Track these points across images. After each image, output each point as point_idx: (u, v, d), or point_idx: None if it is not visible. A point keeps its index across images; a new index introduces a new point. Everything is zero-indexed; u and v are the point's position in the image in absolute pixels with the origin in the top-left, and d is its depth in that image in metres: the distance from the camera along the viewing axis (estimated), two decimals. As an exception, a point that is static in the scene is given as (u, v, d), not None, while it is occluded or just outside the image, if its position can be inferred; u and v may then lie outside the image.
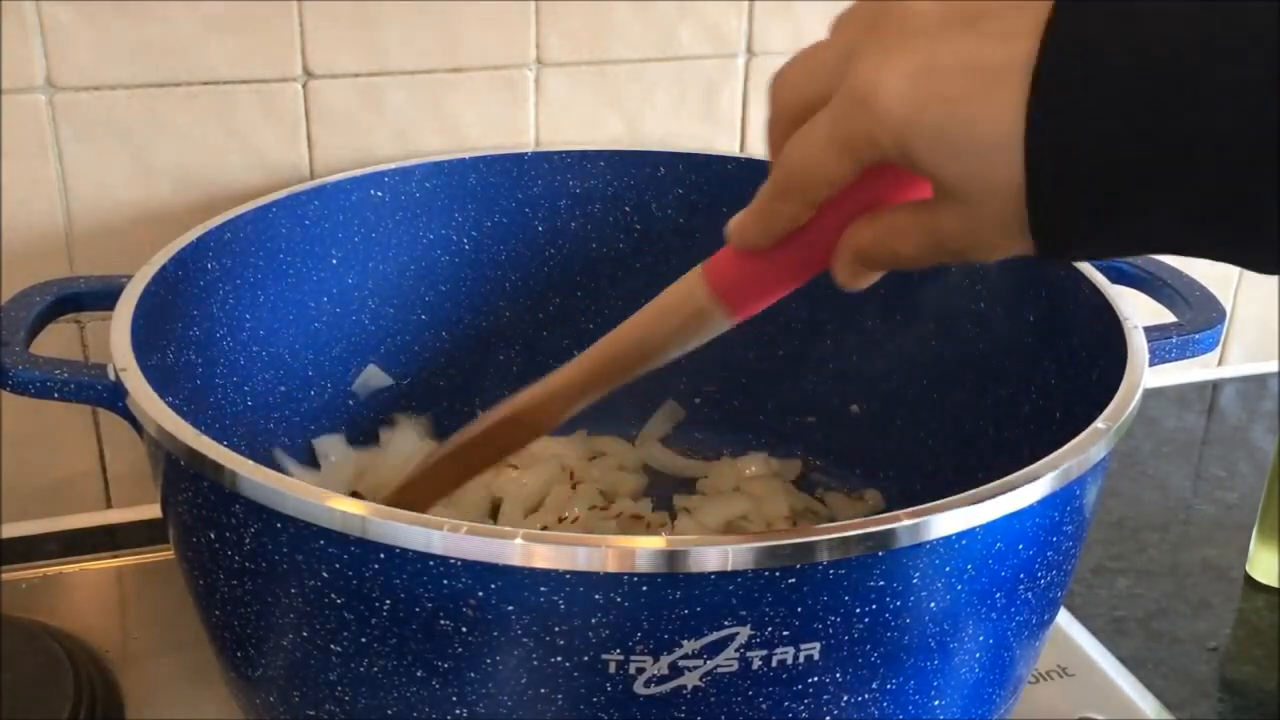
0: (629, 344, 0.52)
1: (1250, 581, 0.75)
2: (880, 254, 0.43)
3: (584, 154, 0.77)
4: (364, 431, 0.74)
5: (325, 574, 0.45)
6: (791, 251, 0.45)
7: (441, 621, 0.44)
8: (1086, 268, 0.63)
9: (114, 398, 0.52)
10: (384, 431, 0.75)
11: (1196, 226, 0.35)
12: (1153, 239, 0.37)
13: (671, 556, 0.41)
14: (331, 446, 0.72)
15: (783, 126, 0.43)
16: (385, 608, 0.44)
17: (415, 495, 0.59)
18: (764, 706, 0.45)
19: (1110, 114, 0.34)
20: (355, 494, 0.68)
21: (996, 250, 0.39)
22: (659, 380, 0.78)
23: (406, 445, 0.73)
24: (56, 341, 0.71)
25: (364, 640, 0.46)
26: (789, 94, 0.42)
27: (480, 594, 0.43)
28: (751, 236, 0.45)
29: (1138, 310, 0.59)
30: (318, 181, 0.71)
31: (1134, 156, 0.34)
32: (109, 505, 0.78)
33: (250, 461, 0.45)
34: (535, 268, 0.77)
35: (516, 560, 0.42)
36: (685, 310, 0.49)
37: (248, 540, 0.47)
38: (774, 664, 0.44)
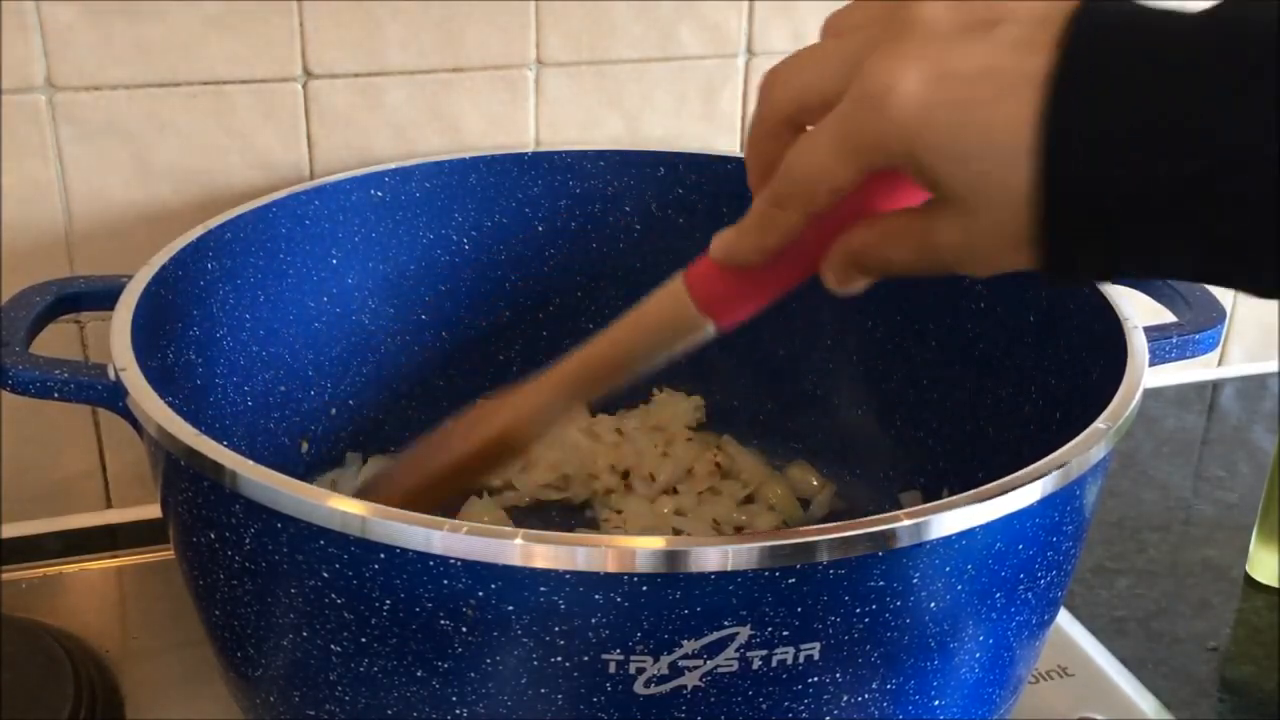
0: (608, 356, 0.51)
1: (1250, 581, 0.75)
2: (873, 259, 0.42)
3: (584, 154, 0.77)
4: (364, 432, 0.75)
5: (325, 574, 0.45)
6: (781, 260, 0.44)
7: (441, 621, 0.44)
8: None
9: (114, 398, 0.52)
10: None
11: (1203, 259, 0.35)
12: (1159, 267, 0.37)
13: (671, 556, 0.41)
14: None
15: (770, 127, 0.42)
16: (385, 608, 0.44)
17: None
18: (764, 706, 0.45)
19: (1125, 137, 0.34)
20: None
21: (992, 263, 0.39)
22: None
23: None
24: (56, 341, 0.70)
25: (364, 640, 0.46)
26: (785, 93, 0.42)
27: (480, 594, 0.43)
28: (745, 253, 0.44)
29: (1138, 310, 0.59)
30: (318, 181, 0.71)
31: (1144, 185, 0.34)
32: (109, 505, 0.78)
33: (250, 461, 0.45)
34: (535, 268, 0.77)
35: (516, 560, 0.42)
36: (668, 322, 0.48)
37: (248, 540, 0.47)
38: (774, 664, 0.44)
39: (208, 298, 0.64)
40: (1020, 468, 0.46)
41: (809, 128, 0.41)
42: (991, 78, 0.35)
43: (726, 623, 0.43)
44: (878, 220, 0.42)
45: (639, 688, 0.44)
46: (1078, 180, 0.35)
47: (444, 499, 0.57)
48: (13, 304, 0.58)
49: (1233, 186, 0.33)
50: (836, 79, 0.39)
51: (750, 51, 0.80)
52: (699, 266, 0.47)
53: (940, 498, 0.44)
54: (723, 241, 0.45)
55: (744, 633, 0.43)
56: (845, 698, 0.46)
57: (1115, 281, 0.36)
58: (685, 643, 0.43)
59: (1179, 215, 0.34)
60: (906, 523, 0.43)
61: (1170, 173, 0.34)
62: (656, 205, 0.77)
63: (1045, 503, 0.47)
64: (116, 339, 0.54)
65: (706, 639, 0.43)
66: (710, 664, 0.43)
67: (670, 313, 0.48)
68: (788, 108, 0.41)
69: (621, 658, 0.43)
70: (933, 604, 0.46)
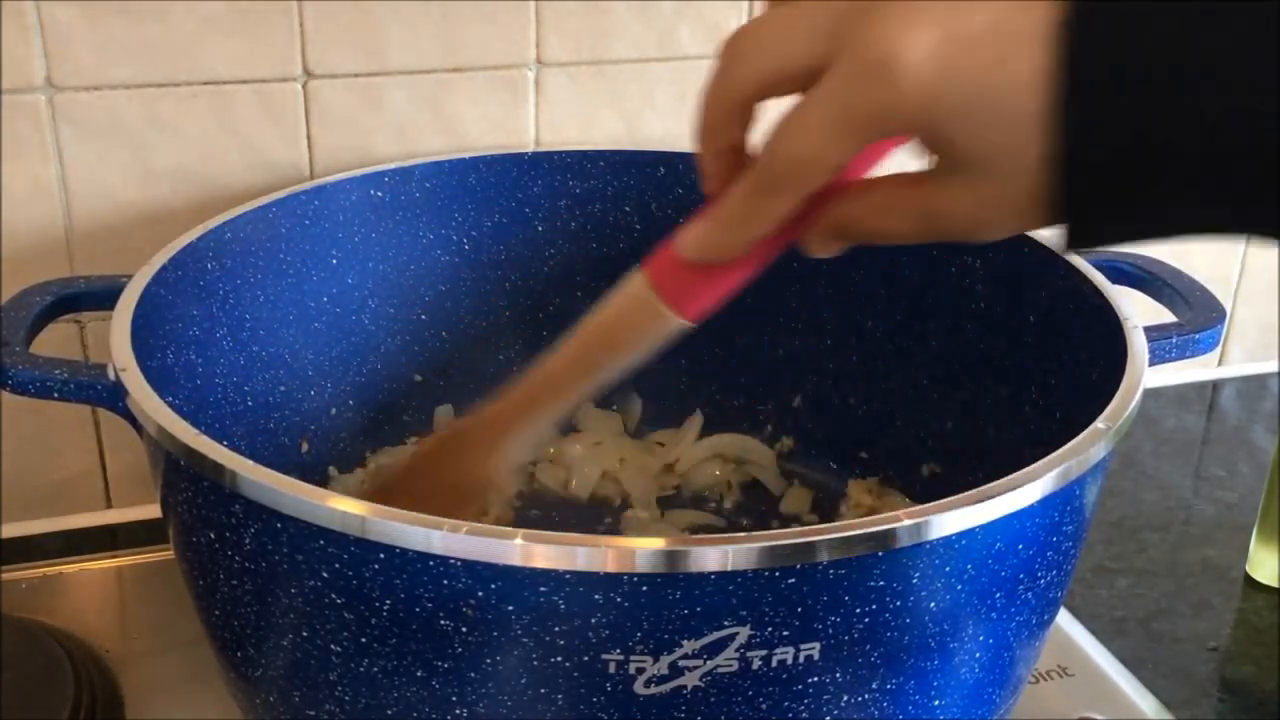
0: (575, 368, 0.50)
1: (1250, 581, 0.75)
2: (866, 230, 0.40)
3: (584, 154, 0.77)
4: (364, 431, 0.75)
5: (325, 574, 0.45)
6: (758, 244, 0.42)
7: (441, 621, 0.44)
8: (1086, 267, 0.63)
9: (114, 398, 0.52)
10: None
11: (1225, 204, 0.33)
12: (1179, 220, 0.35)
13: (671, 556, 0.41)
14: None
15: (731, 108, 0.39)
16: (385, 608, 0.44)
17: None
18: (764, 706, 0.45)
19: (1139, 80, 0.32)
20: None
21: (1001, 229, 0.37)
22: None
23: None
24: (56, 341, 0.71)
25: (364, 640, 0.46)
26: (750, 70, 0.38)
27: (480, 594, 0.43)
28: (728, 248, 0.42)
29: (1138, 310, 0.59)
30: (318, 181, 0.71)
31: (1165, 128, 0.32)
32: (109, 505, 0.78)
33: (250, 461, 0.45)
34: (535, 268, 0.77)
35: (516, 560, 0.42)
36: (635, 323, 0.47)
37: (247, 540, 0.47)
38: (774, 664, 0.44)
39: (208, 298, 0.64)
40: (1020, 468, 0.46)
41: (778, 102, 0.38)
42: (1003, 36, 0.33)
43: (726, 623, 0.43)
44: (869, 190, 0.40)
45: (639, 688, 0.44)
46: (1094, 138, 0.33)
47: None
48: (13, 304, 0.58)
49: (1246, 135, 0.31)
50: (813, 48, 0.36)
51: (750, 51, 0.80)
52: (661, 260, 0.45)
53: (940, 498, 0.44)
54: (697, 238, 0.43)
55: (744, 633, 0.43)
56: (845, 698, 0.46)
57: (1131, 241, 0.35)
58: (685, 643, 0.43)
59: (1203, 164, 0.32)
60: (906, 523, 0.43)
61: (1194, 117, 0.31)
62: (656, 205, 0.77)
63: (1045, 503, 0.47)
64: (116, 339, 0.54)
65: (706, 639, 0.43)
66: (710, 664, 0.43)
67: (637, 313, 0.46)
68: (753, 86, 0.38)
69: (621, 658, 0.43)
70: (933, 604, 0.46)
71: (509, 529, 0.42)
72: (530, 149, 0.78)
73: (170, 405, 0.50)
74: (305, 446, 0.71)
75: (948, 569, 0.45)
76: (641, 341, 0.47)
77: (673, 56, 0.79)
